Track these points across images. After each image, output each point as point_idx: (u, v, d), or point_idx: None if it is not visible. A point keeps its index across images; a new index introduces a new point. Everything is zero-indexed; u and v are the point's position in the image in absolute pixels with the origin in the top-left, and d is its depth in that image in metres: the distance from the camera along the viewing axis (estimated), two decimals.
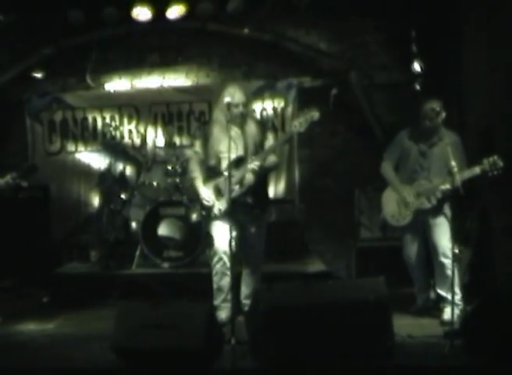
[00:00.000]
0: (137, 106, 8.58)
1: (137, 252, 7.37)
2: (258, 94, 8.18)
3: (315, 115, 5.54)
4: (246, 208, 5.79)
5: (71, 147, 8.67)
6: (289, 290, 4.99)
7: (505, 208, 6.26)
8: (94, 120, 8.62)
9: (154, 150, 8.27)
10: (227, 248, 5.52)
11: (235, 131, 5.77)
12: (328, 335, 4.66)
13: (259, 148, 5.82)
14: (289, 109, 8.31)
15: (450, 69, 7.56)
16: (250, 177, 5.74)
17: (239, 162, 5.73)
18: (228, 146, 5.35)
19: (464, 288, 5.81)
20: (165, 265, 7.22)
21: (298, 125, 5.56)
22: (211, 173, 5.91)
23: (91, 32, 8.28)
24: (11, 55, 8.44)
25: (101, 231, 7.92)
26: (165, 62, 8.49)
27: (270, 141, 5.91)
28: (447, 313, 5.60)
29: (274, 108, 8.36)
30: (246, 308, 5.84)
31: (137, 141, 8.53)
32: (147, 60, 8.53)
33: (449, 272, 5.47)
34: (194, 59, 8.53)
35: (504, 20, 6.30)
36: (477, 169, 5.54)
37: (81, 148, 8.65)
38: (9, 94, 8.56)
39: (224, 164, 5.72)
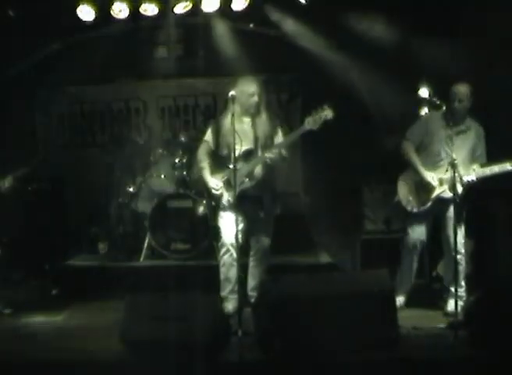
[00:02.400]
0: (145, 100, 8.64)
1: (145, 245, 7.42)
2: (263, 88, 8.17)
3: (329, 113, 5.53)
4: (254, 200, 5.82)
5: (79, 140, 8.73)
6: (294, 282, 5.02)
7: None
8: (102, 114, 8.69)
9: (161, 143, 8.31)
10: (234, 240, 5.54)
11: (247, 123, 5.78)
12: (333, 326, 4.69)
13: (269, 141, 5.81)
14: (294, 103, 8.35)
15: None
16: (259, 170, 5.77)
17: (248, 155, 5.74)
18: (233, 139, 5.30)
19: (467, 279, 5.85)
20: (173, 257, 7.27)
21: (312, 122, 5.55)
22: (222, 163, 5.88)
23: (100, 27, 8.35)
24: (21, 50, 8.49)
25: (109, 224, 7.99)
26: (172, 57, 8.51)
27: (280, 136, 5.90)
28: (451, 304, 5.63)
29: (279, 102, 8.41)
30: (252, 300, 5.87)
31: (145, 134, 8.57)
32: (155, 55, 8.56)
33: (459, 267, 5.45)
34: (200, 54, 8.56)
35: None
36: (508, 166, 5.45)
37: (89, 141, 8.72)
38: (20, 88, 8.63)
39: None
